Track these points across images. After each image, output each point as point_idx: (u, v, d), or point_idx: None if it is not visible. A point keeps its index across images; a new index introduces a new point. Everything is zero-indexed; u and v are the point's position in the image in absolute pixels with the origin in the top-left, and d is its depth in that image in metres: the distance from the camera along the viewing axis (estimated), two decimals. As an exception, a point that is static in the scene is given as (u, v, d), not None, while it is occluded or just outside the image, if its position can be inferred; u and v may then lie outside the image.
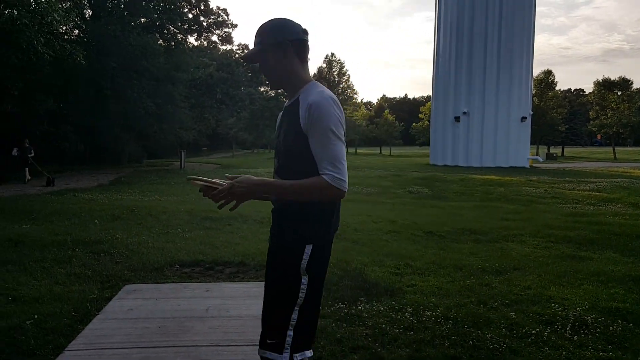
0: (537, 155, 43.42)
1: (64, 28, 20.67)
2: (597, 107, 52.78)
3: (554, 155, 49.28)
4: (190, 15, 33.05)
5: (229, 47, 45.70)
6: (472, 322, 3.53)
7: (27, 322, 3.42)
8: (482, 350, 3.10)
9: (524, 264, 5.43)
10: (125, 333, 3.29)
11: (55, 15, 15.91)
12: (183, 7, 30.66)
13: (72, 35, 23.26)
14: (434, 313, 3.70)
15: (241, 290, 4.32)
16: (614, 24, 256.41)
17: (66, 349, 3.03)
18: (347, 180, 1.72)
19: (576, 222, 8.56)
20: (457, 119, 31.97)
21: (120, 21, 23.80)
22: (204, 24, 35.82)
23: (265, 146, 67.93)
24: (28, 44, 15.40)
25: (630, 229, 7.76)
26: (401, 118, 77.35)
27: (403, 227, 7.76)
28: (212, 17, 36.27)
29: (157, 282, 4.56)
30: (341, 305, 3.86)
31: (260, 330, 1.87)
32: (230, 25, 37.93)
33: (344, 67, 62.82)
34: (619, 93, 51.21)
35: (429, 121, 47.84)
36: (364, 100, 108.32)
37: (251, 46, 1.92)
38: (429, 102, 56.97)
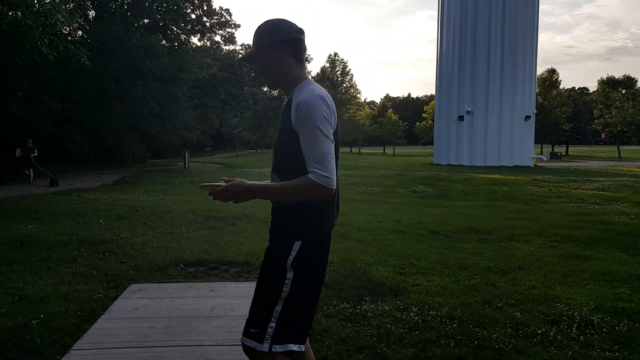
0: (541, 154, 43.27)
1: (68, 29, 20.74)
2: (602, 106, 52.59)
3: (558, 154, 49.12)
4: (193, 16, 33.13)
5: (232, 47, 45.67)
6: (477, 322, 3.52)
7: (33, 322, 3.43)
8: (487, 350, 3.09)
9: (529, 263, 5.42)
10: (130, 332, 3.30)
11: (59, 16, 15.94)
12: (186, 8, 30.70)
13: (76, 36, 23.35)
14: (439, 313, 3.69)
15: (246, 289, 4.32)
16: (618, 21, 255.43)
17: (72, 348, 3.04)
18: (334, 177, 1.74)
19: (581, 221, 8.52)
20: (461, 118, 31.91)
21: (124, 22, 23.85)
22: (207, 24, 35.88)
23: (269, 146, 67.87)
24: (32, 45, 15.43)
25: (636, 228, 7.72)
26: (405, 117, 77.25)
27: (407, 227, 7.75)
28: (215, 17, 36.35)
29: (162, 282, 4.57)
30: (346, 305, 3.86)
31: None
32: (233, 26, 38.00)
33: (347, 66, 62.70)
34: (624, 91, 51.05)
35: (432, 120, 47.74)
36: (367, 100, 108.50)
37: None
38: (432, 102, 56.82)
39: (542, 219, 8.87)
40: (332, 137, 1.77)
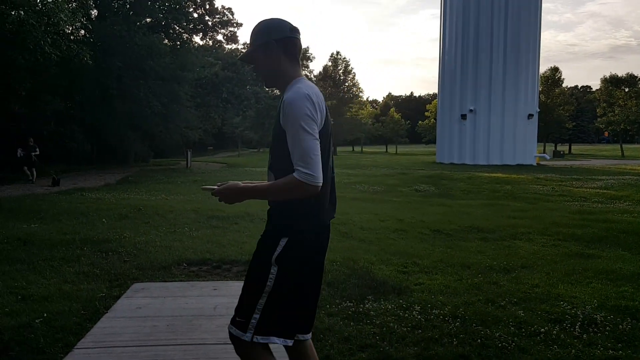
0: (544, 152, 43.20)
1: (70, 28, 20.75)
2: (604, 104, 52.44)
3: (561, 152, 49.04)
4: (195, 15, 33.07)
5: (234, 46, 45.67)
6: (480, 321, 3.51)
7: (36, 321, 3.44)
8: (490, 348, 3.08)
9: (531, 262, 5.41)
10: (133, 331, 3.30)
11: (62, 16, 15.94)
12: (188, 7, 30.68)
13: (78, 36, 23.35)
14: (441, 311, 3.69)
15: (248, 288, 4.32)
16: (621, 20, 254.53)
17: (75, 347, 3.05)
18: (318, 175, 1.74)
19: (584, 219, 8.50)
20: (463, 116, 31.86)
21: (126, 21, 23.87)
22: (209, 23, 35.82)
23: (271, 145, 67.87)
24: (35, 44, 15.45)
25: (639, 227, 7.70)
26: (407, 116, 77.24)
27: (410, 226, 7.74)
28: (217, 16, 36.29)
29: (165, 281, 4.57)
30: (349, 304, 3.86)
31: None
32: (235, 25, 37.90)
33: (349, 65, 62.53)
34: (627, 90, 50.87)
35: (435, 119, 47.71)
36: (370, 99, 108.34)
37: None
38: (435, 100, 56.81)
39: (545, 217, 8.85)
40: (316, 135, 1.77)
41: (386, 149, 73.99)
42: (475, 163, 30.40)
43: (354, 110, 61.83)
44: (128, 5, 26.40)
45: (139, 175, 20.57)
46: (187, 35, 31.04)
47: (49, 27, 16.02)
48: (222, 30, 37.43)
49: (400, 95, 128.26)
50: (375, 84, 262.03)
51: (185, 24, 29.56)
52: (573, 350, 3.06)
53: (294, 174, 1.74)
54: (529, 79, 31.49)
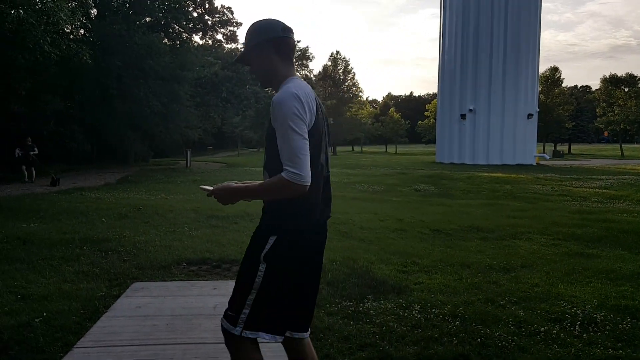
0: (543, 152, 43.20)
1: (70, 27, 20.72)
2: (604, 104, 52.45)
3: (561, 152, 49.06)
4: (195, 14, 33.07)
5: (234, 45, 45.62)
6: (480, 320, 3.52)
7: (36, 320, 3.44)
8: (490, 347, 3.08)
9: (531, 261, 5.41)
10: (133, 330, 3.30)
11: (62, 15, 15.91)
12: (188, 6, 30.66)
13: (78, 35, 23.32)
14: (441, 311, 3.69)
15: (248, 288, 4.32)
16: (621, 19, 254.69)
17: (75, 346, 3.05)
18: (306, 174, 1.74)
19: (584, 219, 8.51)
20: (463, 116, 31.87)
21: (126, 20, 23.85)
22: (209, 22, 35.85)
23: (271, 145, 67.80)
24: (35, 43, 15.43)
25: (639, 226, 7.71)
26: (407, 116, 77.19)
27: (409, 225, 7.75)
28: (217, 15, 36.31)
29: (165, 280, 4.57)
30: (348, 303, 3.86)
31: None
32: (235, 24, 37.93)
33: (349, 65, 62.52)
34: (626, 89, 50.87)
35: (434, 119, 47.71)
36: (370, 98, 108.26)
37: None
38: (434, 100, 56.80)
39: (545, 217, 8.85)
40: (305, 134, 1.77)
41: (386, 149, 73.99)
42: (474, 163, 30.41)
43: (353, 110, 61.83)
44: (127, 5, 26.37)
45: (139, 174, 20.56)
46: (186, 35, 31.02)
47: (49, 26, 15.99)
48: (222, 30, 37.48)
49: (400, 95, 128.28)
50: (375, 83, 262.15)
51: (184, 23, 29.54)
52: (573, 350, 3.07)
53: (282, 173, 1.75)
54: (528, 79, 31.50)
